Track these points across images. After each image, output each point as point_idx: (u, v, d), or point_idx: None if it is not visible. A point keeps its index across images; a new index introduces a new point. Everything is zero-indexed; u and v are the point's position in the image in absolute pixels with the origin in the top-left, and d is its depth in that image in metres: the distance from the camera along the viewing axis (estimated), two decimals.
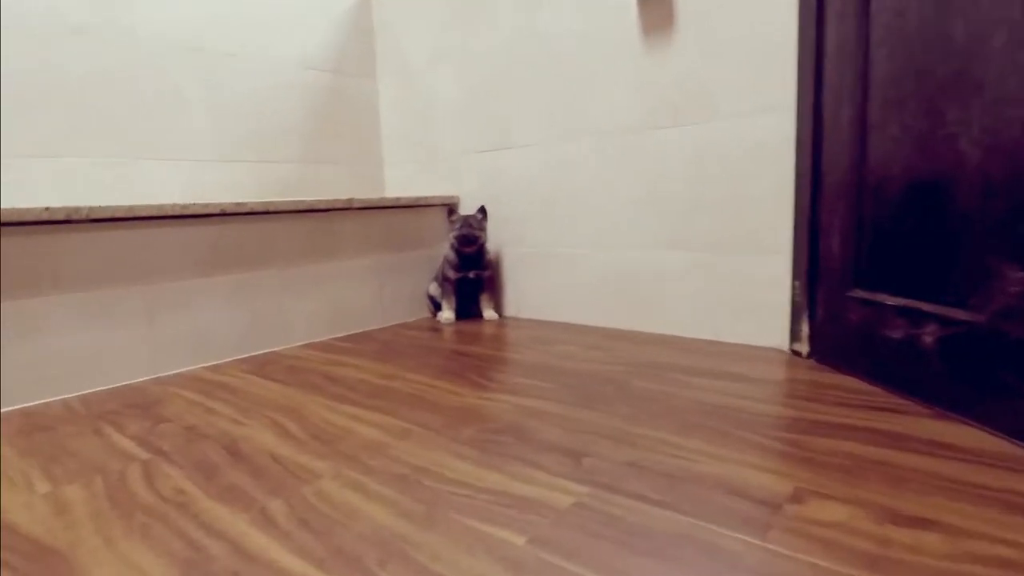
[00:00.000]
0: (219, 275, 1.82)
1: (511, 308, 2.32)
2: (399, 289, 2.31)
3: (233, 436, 1.18)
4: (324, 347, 1.95)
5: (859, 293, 1.34)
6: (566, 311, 2.14)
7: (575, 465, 0.97)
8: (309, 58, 2.49)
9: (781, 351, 1.60)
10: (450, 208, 2.26)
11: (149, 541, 0.78)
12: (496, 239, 2.33)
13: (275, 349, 1.95)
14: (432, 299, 2.35)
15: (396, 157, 2.70)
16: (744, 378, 1.38)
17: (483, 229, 2.24)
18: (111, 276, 1.62)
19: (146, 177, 2.08)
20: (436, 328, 2.17)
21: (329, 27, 2.56)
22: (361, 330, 2.19)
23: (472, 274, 2.23)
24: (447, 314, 2.26)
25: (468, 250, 2.17)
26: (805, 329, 1.54)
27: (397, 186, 2.72)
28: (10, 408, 1.45)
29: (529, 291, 2.25)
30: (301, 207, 1.97)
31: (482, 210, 2.27)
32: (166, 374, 1.70)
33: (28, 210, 1.45)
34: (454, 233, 2.19)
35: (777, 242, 1.61)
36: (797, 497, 0.83)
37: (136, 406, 1.41)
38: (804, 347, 1.54)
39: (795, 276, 1.57)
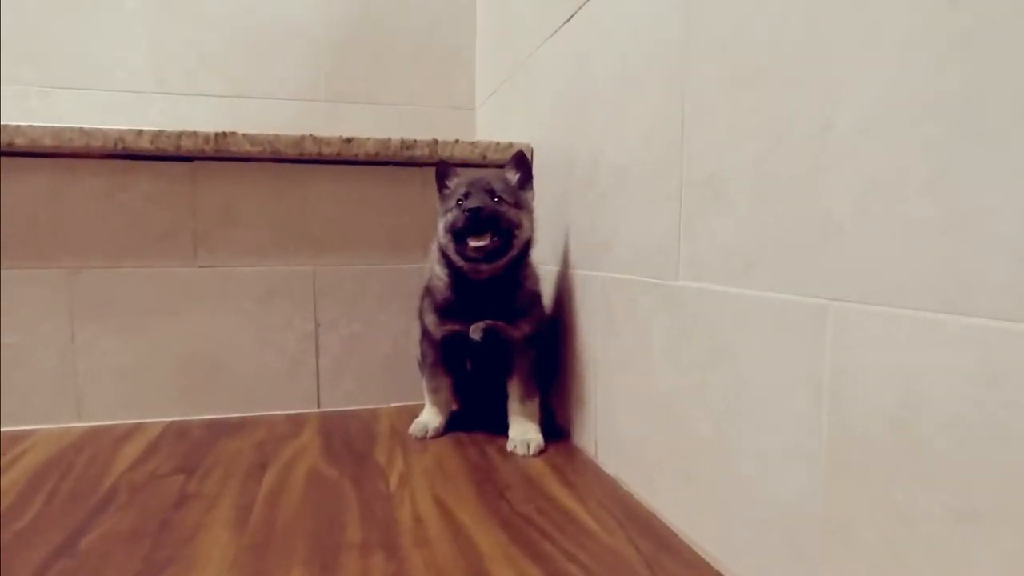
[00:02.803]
0: None
1: (586, 430, 0.86)
2: (362, 338, 1.08)
3: None
4: (120, 439, 0.87)
5: None
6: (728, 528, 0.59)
7: None
8: None
9: None
10: (441, 165, 0.91)
11: None
12: (555, 243, 0.91)
13: (32, 427, 0.95)
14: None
15: (491, 88, 1.46)
16: None
17: (520, 207, 0.85)
18: None
19: (63, 112, 1.33)
20: (361, 455, 0.87)
21: None
22: (257, 412, 1.03)
23: (479, 330, 0.85)
24: (426, 417, 0.94)
25: (474, 254, 0.81)
26: None
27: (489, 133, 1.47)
28: None
29: (630, 399, 0.76)
30: (45, 147, 0.92)
31: (518, 162, 0.88)
32: None
33: None
34: (448, 216, 0.85)
35: None
36: None
37: None
38: None
39: None
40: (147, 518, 0.67)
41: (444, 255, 0.86)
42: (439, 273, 0.87)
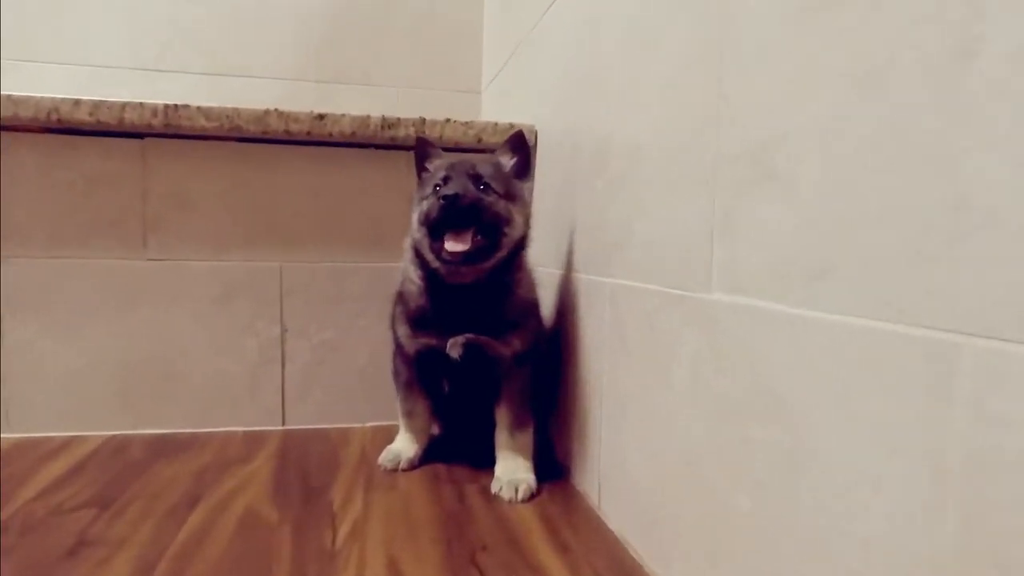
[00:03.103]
0: None
1: (588, 470, 0.70)
2: (335, 346, 0.93)
3: None
4: (44, 458, 0.74)
5: None
6: None
7: None
8: None
9: None
10: (421, 142, 0.76)
11: None
12: (559, 242, 0.75)
13: None
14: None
15: (497, 67, 1.31)
16: None
17: (512, 198, 0.70)
18: None
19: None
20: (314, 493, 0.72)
21: None
22: (212, 428, 0.90)
23: (458, 346, 0.70)
24: (399, 445, 0.79)
25: (450, 258, 0.65)
26: None
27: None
28: None
29: (642, 440, 0.60)
30: None
31: (514, 145, 0.72)
32: None
33: None
34: (422, 206, 0.69)
35: None
36: None
37: None
38: None
39: None
40: (25, 572, 0.53)
41: (419, 254, 0.71)
42: (412, 276, 0.72)
